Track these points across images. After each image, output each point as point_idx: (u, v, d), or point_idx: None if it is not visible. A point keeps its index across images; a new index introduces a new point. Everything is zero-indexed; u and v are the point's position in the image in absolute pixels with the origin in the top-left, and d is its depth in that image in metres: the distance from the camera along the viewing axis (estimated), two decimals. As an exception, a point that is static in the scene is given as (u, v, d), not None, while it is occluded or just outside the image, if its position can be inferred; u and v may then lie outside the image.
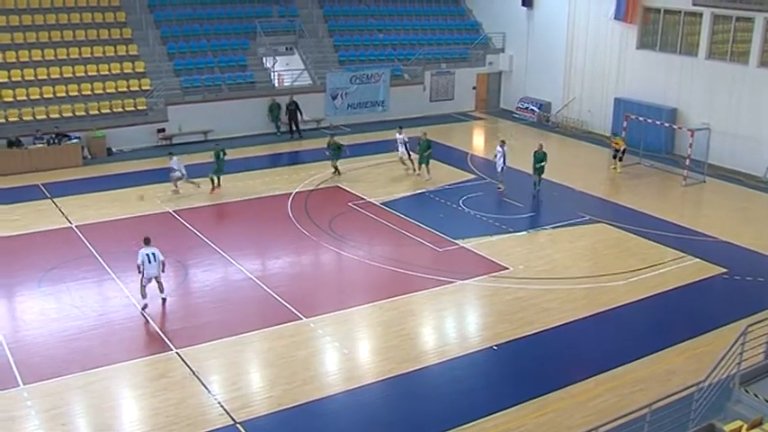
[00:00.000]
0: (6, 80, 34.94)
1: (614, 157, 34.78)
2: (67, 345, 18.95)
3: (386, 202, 29.55)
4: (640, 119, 35.00)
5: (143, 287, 20.51)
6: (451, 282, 22.69)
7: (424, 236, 26.25)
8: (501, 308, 21.19)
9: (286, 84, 41.53)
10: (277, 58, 41.70)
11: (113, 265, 23.15)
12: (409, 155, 33.11)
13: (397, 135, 33.34)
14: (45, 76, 35.81)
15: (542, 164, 30.37)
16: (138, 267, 20.31)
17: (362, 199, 29.83)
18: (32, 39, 36.75)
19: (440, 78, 45.27)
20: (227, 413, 16.22)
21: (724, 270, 23.83)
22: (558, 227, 27.38)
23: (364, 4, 46.96)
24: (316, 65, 42.21)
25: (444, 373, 18.09)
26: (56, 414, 16.17)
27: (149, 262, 20.26)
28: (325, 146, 32.86)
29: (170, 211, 28.32)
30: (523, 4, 44.48)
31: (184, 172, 29.80)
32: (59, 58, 36.72)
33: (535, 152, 30.64)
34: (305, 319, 20.30)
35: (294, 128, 39.36)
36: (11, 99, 34.49)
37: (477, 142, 41.19)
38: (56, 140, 33.72)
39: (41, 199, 29.45)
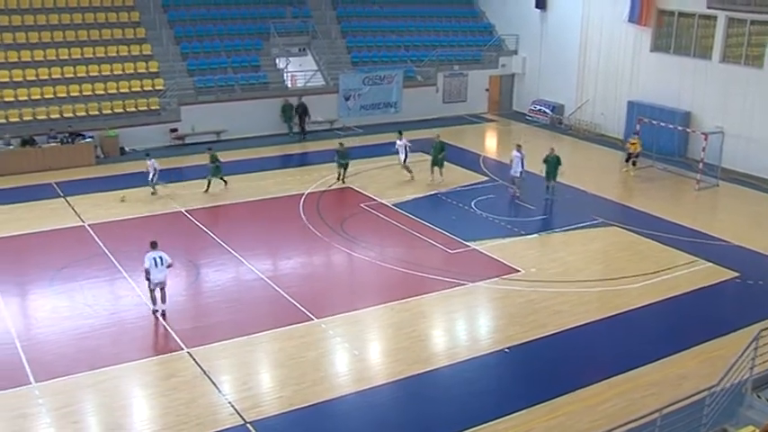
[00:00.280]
0: (21, 79, 35.12)
1: (627, 160, 34.67)
2: (79, 343, 19.02)
3: (398, 203, 29.52)
4: (653, 122, 34.88)
5: (151, 292, 20.16)
6: (463, 284, 22.64)
7: (435, 237, 26.22)
8: (512, 310, 21.15)
9: (299, 85, 41.57)
10: (290, 58, 41.81)
11: (125, 264, 23.19)
12: (406, 160, 32.41)
13: (398, 141, 32.70)
14: (59, 75, 35.97)
15: (558, 167, 30.06)
16: (146, 272, 19.90)
17: (374, 200, 29.83)
18: (47, 38, 36.94)
19: (452, 80, 45.22)
20: (238, 413, 16.24)
21: (736, 274, 23.70)
22: (570, 230, 27.31)
23: (377, 6, 46.98)
24: (329, 66, 42.24)
25: (455, 376, 18.06)
26: (67, 412, 16.22)
27: (156, 266, 19.79)
28: (335, 152, 32.38)
29: (182, 210, 28.40)
30: (537, 6, 44.37)
31: (157, 169, 29.85)
32: (74, 57, 36.89)
33: (547, 156, 30.35)
34: (316, 319, 20.30)
35: (301, 129, 39.47)
36: (25, 98, 34.67)
37: (490, 144, 41.12)
38: (69, 139, 33.88)
39: (54, 197, 29.59)
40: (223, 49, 40.64)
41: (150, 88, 37.42)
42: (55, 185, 30.88)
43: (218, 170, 30.45)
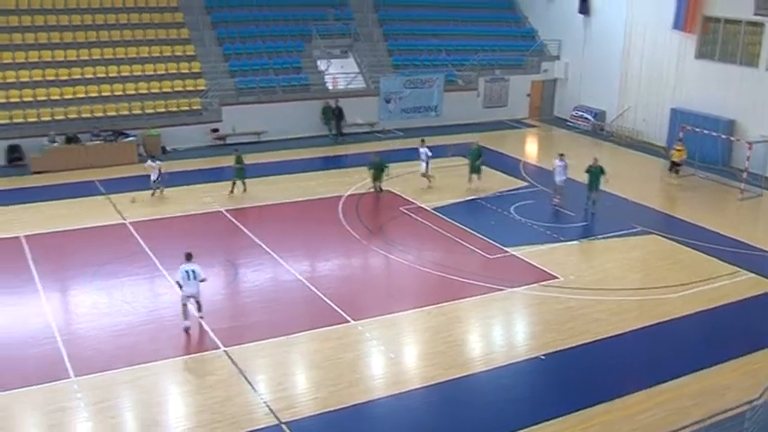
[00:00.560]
0: (67, 77, 35.67)
1: (670, 169, 34.21)
2: (117, 339, 19.22)
3: (437, 207, 29.45)
4: (697, 130, 34.43)
5: (183, 306, 19.73)
6: (500, 289, 22.52)
7: (474, 242, 26.11)
8: (549, 317, 20.98)
9: (340, 87, 41.70)
10: (331, 61, 41.94)
11: (165, 263, 23.39)
12: (427, 169, 31.86)
13: (420, 148, 32.16)
14: (104, 75, 36.48)
15: (602, 176, 29.13)
16: (178, 283, 19.70)
17: (413, 204, 29.80)
18: (93, 38, 37.51)
19: (494, 85, 45.04)
20: (273, 413, 16.30)
21: (780, 286, 23.34)
22: (610, 237, 27.04)
23: (420, 10, 46.94)
24: (370, 68, 42.32)
25: (490, 381, 17.97)
26: (104, 407, 16.41)
27: (188, 279, 19.39)
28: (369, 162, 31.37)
29: (222, 210, 28.60)
30: (580, 12, 44.05)
31: (162, 173, 29.86)
32: (118, 57, 37.40)
33: (590, 167, 29.34)
34: (352, 321, 20.32)
35: (336, 131, 39.61)
36: (71, 96, 35.20)
37: (530, 150, 40.89)
38: (112, 138, 34.32)
39: (97, 195, 29.99)
40: (265, 50, 40.90)
41: (192, 88, 37.77)
42: (97, 183, 31.30)
43: (241, 172, 30.47)
